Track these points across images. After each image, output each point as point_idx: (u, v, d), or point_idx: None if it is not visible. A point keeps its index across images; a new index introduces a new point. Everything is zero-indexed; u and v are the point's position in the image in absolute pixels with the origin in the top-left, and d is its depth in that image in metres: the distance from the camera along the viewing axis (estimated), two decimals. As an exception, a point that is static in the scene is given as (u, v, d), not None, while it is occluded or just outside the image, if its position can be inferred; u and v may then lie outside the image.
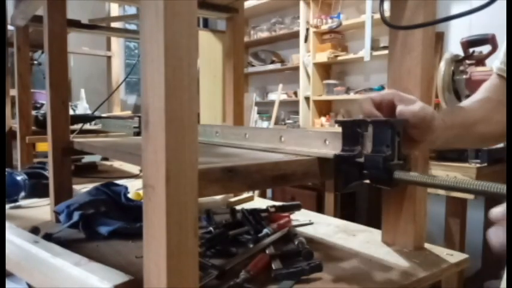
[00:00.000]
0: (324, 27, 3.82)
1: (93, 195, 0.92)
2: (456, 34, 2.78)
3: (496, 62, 0.81)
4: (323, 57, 3.81)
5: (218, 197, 1.16)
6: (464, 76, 1.87)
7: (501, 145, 1.67)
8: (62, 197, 0.95)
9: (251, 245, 0.76)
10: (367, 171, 0.58)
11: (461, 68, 1.90)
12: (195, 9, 0.43)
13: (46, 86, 0.96)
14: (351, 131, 0.62)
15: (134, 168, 1.63)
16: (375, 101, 0.64)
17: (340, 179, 0.61)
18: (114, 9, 3.46)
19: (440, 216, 1.99)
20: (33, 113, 1.73)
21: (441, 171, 1.80)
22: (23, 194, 1.15)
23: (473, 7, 0.62)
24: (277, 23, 4.50)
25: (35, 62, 2.29)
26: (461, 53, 1.96)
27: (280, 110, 4.28)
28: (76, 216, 0.84)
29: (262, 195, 2.85)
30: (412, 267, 0.69)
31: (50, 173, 0.98)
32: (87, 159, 1.80)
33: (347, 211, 3.01)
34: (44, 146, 1.64)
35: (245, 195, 1.17)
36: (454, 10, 2.92)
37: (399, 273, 0.66)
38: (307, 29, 3.94)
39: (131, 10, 4.34)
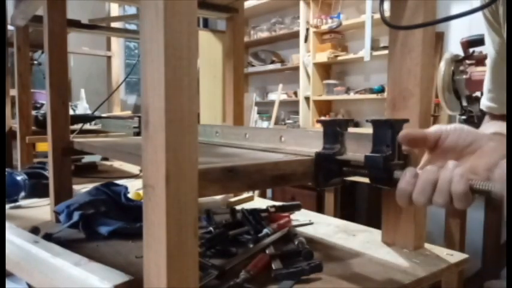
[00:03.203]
0: (324, 27, 3.82)
1: (93, 195, 0.92)
2: (456, 34, 2.78)
3: (482, 99, 0.81)
4: (323, 57, 3.81)
5: (218, 197, 1.16)
6: (464, 76, 1.87)
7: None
8: (62, 197, 0.95)
9: (251, 245, 0.76)
10: (367, 171, 0.58)
11: (461, 68, 1.90)
12: (195, 9, 0.43)
13: (46, 86, 0.96)
14: (331, 130, 0.63)
15: (134, 168, 1.63)
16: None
17: (320, 175, 0.63)
18: (114, 9, 3.46)
19: (440, 216, 1.99)
20: (33, 113, 1.73)
21: (441, 171, 1.79)
22: (23, 194, 1.15)
23: (473, 7, 0.62)
24: (277, 23, 4.50)
25: (35, 62, 2.29)
26: (461, 53, 1.96)
27: (280, 110, 4.28)
28: (76, 216, 0.84)
29: (262, 195, 2.85)
30: (412, 267, 0.69)
31: (50, 173, 0.97)
32: (87, 159, 1.80)
33: (347, 211, 3.01)
34: (44, 146, 1.64)
35: (245, 195, 1.17)
36: (454, 10, 2.92)
37: (399, 273, 0.66)
38: (307, 29, 3.94)
39: (131, 10, 4.34)
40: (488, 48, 0.77)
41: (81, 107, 2.51)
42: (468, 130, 0.55)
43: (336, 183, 0.65)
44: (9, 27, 1.67)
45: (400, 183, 0.53)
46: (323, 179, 0.63)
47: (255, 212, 0.92)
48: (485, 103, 0.80)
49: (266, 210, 0.97)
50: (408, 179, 0.52)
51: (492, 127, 0.63)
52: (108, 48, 3.49)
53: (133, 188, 1.13)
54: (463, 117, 1.94)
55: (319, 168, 0.62)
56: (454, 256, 0.74)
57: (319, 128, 0.68)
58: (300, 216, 1.00)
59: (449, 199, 0.49)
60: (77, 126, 1.34)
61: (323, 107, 4.04)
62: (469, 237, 2.03)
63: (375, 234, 0.85)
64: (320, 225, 0.94)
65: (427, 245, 0.77)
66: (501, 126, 0.59)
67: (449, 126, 0.56)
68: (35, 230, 0.81)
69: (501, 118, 0.77)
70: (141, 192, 1.00)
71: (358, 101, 3.83)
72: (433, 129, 0.55)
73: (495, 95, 0.78)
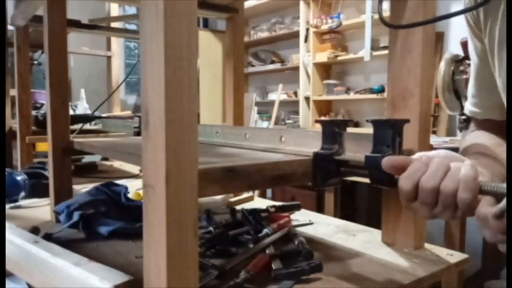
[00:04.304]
0: (324, 27, 3.82)
1: (93, 195, 0.92)
2: (456, 34, 2.79)
3: (466, 104, 0.84)
4: (323, 57, 3.82)
5: (218, 197, 1.16)
6: (464, 76, 1.87)
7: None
8: (62, 197, 0.95)
9: (251, 245, 0.76)
10: (368, 171, 0.58)
11: (461, 68, 1.90)
12: (195, 9, 0.43)
13: (46, 86, 0.96)
14: (330, 130, 0.64)
15: (134, 168, 1.63)
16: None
17: (319, 175, 0.63)
18: (114, 9, 3.46)
19: (440, 216, 1.99)
20: (33, 113, 1.73)
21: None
22: (23, 194, 1.15)
23: (470, 5, 0.62)
24: (277, 23, 4.51)
25: (35, 62, 2.29)
26: (461, 53, 1.96)
27: (280, 110, 4.28)
28: (76, 216, 0.84)
29: (262, 195, 2.85)
30: (412, 267, 0.69)
31: (50, 173, 0.97)
32: (87, 159, 1.80)
33: (347, 211, 3.01)
34: (44, 146, 1.64)
35: (245, 195, 1.17)
36: (454, 10, 2.91)
37: (399, 273, 0.66)
38: (307, 29, 3.94)
39: (131, 10, 4.34)
40: (471, 54, 0.79)
41: (81, 107, 2.51)
42: (452, 156, 0.55)
43: (334, 184, 0.65)
44: (9, 27, 1.67)
45: (402, 201, 0.54)
46: (321, 179, 0.63)
47: (255, 212, 0.92)
48: (468, 108, 0.83)
49: (266, 210, 0.97)
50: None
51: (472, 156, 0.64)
52: (108, 48, 3.49)
53: (133, 188, 1.13)
54: (463, 117, 1.94)
55: (317, 168, 0.63)
56: (454, 256, 0.74)
57: (319, 128, 0.68)
58: (300, 216, 1.00)
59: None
60: (77, 126, 1.34)
61: (323, 107, 4.05)
62: (469, 237, 2.03)
63: (375, 234, 0.85)
64: (320, 225, 0.94)
65: (427, 245, 0.77)
66: (478, 163, 0.59)
67: (432, 152, 0.56)
68: (35, 230, 0.81)
69: (484, 123, 0.80)
70: (141, 192, 1.00)
71: (358, 101, 3.83)
72: (417, 155, 0.55)
73: (478, 100, 0.80)
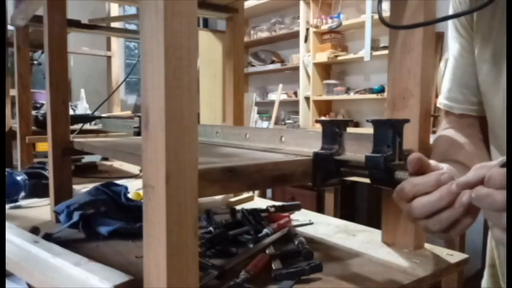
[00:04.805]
0: (324, 27, 3.82)
1: (93, 195, 0.92)
2: (456, 34, 2.77)
3: (440, 98, 0.85)
4: (323, 57, 3.82)
5: (218, 197, 1.16)
6: (464, 76, 1.87)
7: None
8: (62, 197, 0.95)
9: (251, 245, 0.76)
10: (368, 171, 0.58)
11: (461, 68, 1.90)
12: (195, 9, 0.43)
13: (46, 86, 0.96)
14: (330, 130, 0.64)
15: (134, 168, 1.63)
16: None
17: (319, 176, 0.63)
18: (114, 9, 3.45)
19: (440, 216, 1.99)
20: (33, 113, 1.73)
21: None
22: (23, 194, 1.15)
23: (472, 7, 0.63)
24: (277, 23, 4.51)
25: (35, 62, 2.29)
26: (461, 53, 1.96)
27: (280, 110, 4.28)
28: (76, 216, 0.84)
29: (262, 195, 2.85)
30: (412, 267, 0.69)
31: (50, 173, 0.97)
32: (87, 159, 1.80)
33: (347, 211, 3.01)
34: (44, 146, 1.64)
35: (245, 195, 1.17)
36: (454, 10, 2.91)
37: (399, 273, 0.66)
38: (307, 29, 3.94)
39: (131, 10, 4.34)
40: (453, 51, 0.83)
41: (81, 107, 2.51)
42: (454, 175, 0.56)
43: (334, 184, 0.65)
44: (9, 27, 1.66)
45: (394, 197, 0.54)
46: (321, 179, 0.63)
47: (255, 212, 0.92)
48: (443, 102, 0.84)
49: (266, 210, 0.97)
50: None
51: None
52: (108, 48, 3.49)
53: (134, 188, 1.13)
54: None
55: (317, 168, 0.63)
56: (454, 256, 0.74)
57: (319, 128, 0.68)
58: (300, 216, 1.00)
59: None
60: (77, 126, 1.34)
61: (323, 107, 4.05)
62: (469, 237, 2.03)
63: (375, 234, 0.85)
64: (320, 225, 0.94)
65: (427, 245, 0.77)
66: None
67: (445, 166, 0.57)
68: (35, 230, 0.81)
69: (461, 118, 0.82)
70: (141, 192, 1.00)
71: (358, 101, 3.83)
72: (433, 163, 0.55)
73: (455, 94, 0.82)
